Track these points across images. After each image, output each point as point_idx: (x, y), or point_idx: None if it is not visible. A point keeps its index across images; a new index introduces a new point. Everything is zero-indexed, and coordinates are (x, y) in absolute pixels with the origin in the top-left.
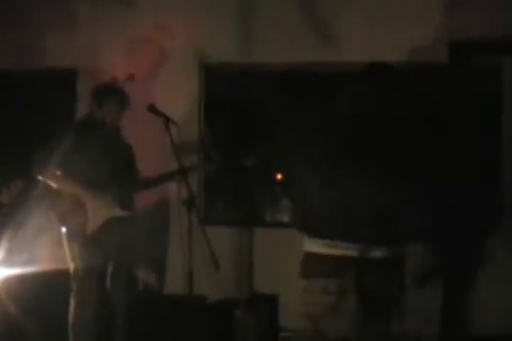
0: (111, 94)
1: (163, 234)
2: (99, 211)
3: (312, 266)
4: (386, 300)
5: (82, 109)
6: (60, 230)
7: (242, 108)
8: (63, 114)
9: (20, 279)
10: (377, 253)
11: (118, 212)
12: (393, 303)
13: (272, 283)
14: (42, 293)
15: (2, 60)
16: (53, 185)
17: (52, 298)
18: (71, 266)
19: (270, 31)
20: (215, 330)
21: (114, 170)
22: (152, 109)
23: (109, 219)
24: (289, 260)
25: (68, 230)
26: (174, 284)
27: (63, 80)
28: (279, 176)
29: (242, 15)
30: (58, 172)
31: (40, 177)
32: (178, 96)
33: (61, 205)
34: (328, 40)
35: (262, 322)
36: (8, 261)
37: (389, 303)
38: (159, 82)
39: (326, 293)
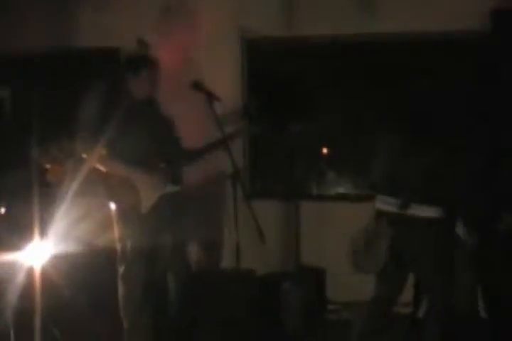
0: (142, 66)
1: (212, 208)
2: (150, 188)
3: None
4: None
5: None
6: (108, 210)
7: (286, 82)
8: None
9: (68, 258)
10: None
11: (169, 187)
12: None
13: (318, 256)
14: (91, 273)
15: (46, 39)
16: (100, 165)
17: (101, 278)
18: (118, 247)
19: (312, 3)
20: (263, 304)
21: (159, 145)
22: (196, 85)
23: (161, 196)
24: (335, 233)
25: (119, 209)
26: (223, 258)
27: (107, 59)
28: (324, 150)
29: None
30: (103, 152)
31: (85, 156)
32: (222, 71)
33: (111, 184)
34: (370, 10)
35: (309, 296)
36: (57, 240)
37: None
38: (202, 57)
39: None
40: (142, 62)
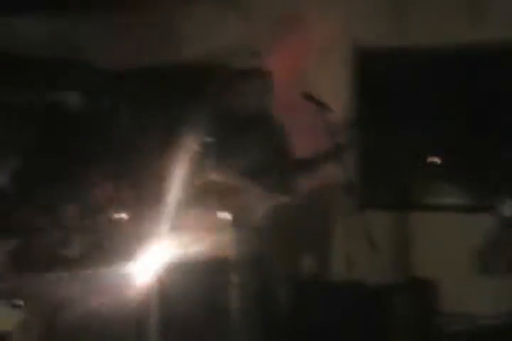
0: (254, 78)
1: (323, 219)
2: (260, 199)
3: None
4: None
5: None
6: (221, 220)
7: (396, 92)
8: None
9: (181, 267)
10: None
11: (280, 198)
12: None
13: (431, 267)
14: (204, 282)
15: (155, 52)
16: (212, 175)
17: (213, 287)
18: (231, 256)
19: (425, 13)
20: (373, 315)
21: (271, 155)
22: (308, 96)
23: (271, 207)
24: (449, 244)
25: (232, 219)
26: (333, 269)
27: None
28: (435, 159)
29: None
30: (215, 162)
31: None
32: (333, 81)
33: (223, 194)
34: (481, 17)
35: (421, 308)
36: (171, 249)
37: None
38: (314, 67)
39: None
40: (255, 74)
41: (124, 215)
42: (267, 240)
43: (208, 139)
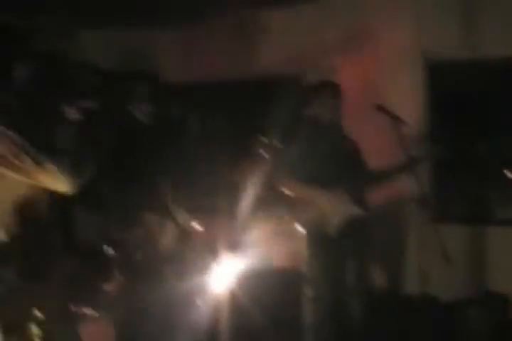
0: (325, 90)
1: (397, 231)
2: (335, 211)
3: None
4: None
5: None
6: (296, 232)
7: (469, 104)
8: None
9: (256, 279)
10: None
11: (354, 210)
12: None
13: (506, 282)
14: (276, 292)
15: (231, 65)
16: (286, 188)
17: (286, 298)
18: (307, 268)
19: (495, 25)
20: (447, 330)
21: (343, 168)
22: (380, 108)
23: (346, 219)
24: None
25: (307, 232)
26: (407, 283)
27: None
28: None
29: (467, 10)
30: (287, 174)
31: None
32: (404, 93)
33: (297, 207)
34: None
35: (495, 322)
36: (246, 261)
37: None
38: (384, 79)
39: None
40: (325, 88)
41: (197, 226)
42: (341, 252)
43: (280, 147)
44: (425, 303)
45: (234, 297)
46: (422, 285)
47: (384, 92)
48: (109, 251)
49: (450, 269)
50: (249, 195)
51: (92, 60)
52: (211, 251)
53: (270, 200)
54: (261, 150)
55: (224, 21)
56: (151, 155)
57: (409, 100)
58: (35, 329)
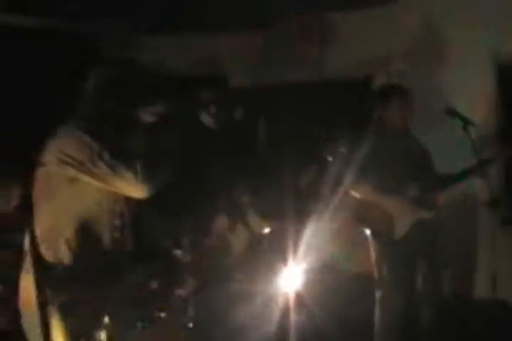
0: (393, 94)
1: (466, 234)
2: (404, 214)
3: None
4: None
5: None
6: (363, 236)
7: None
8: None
9: (324, 283)
10: None
11: (423, 213)
12: None
13: None
14: (347, 298)
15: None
16: (353, 191)
17: (357, 303)
18: (375, 272)
19: None
20: None
21: (411, 171)
22: (450, 111)
23: (414, 222)
24: None
25: (373, 234)
26: (478, 287)
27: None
28: None
29: None
30: (355, 180)
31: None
32: (474, 94)
33: (364, 210)
34: None
35: None
36: (312, 261)
37: None
38: (454, 81)
39: None
40: (393, 91)
41: (268, 230)
42: (409, 255)
43: (347, 151)
44: (495, 307)
45: (302, 300)
46: (492, 289)
47: (453, 95)
48: (181, 255)
49: None
50: (316, 199)
51: (161, 66)
52: (280, 256)
53: (338, 204)
54: (328, 155)
55: (292, 24)
56: (221, 160)
57: (479, 102)
58: (103, 337)
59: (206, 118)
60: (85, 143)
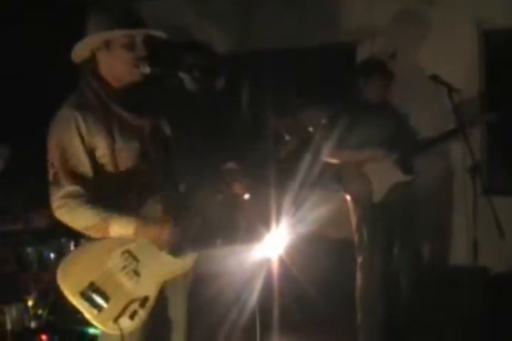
0: (374, 71)
1: (445, 201)
2: (382, 178)
3: None
4: None
5: None
6: (343, 200)
7: None
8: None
9: (305, 249)
10: None
11: (401, 177)
12: None
13: None
14: (328, 263)
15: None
16: (331, 157)
17: (338, 268)
18: (356, 237)
19: None
20: (497, 303)
21: (390, 137)
22: (434, 78)
23: (393, 186)
24: None
25: (353, 199)
26: (458, 254)
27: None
28: None
29: None
30: (334, 147)
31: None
32: (458, 62)
33: (343, 175)
34: None
35: None
36: (293, 231)
37: None
38: (438, 48)
39: None
40: (375, 68)
41: (247, 195)
42: (388, 219)
43: (325, 121)
44: (475, 276)
45: (283, 264)
46: (474, 256)
47: (438, 61)
48: None
49: (502, 242)
50: (297, 164)
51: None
52: (261, 220)
53: (318, 170)
54: (308, 120)
55: None
56: (202, 123)
57: (462, 68)
58: None
59: (189, 83)
60: None
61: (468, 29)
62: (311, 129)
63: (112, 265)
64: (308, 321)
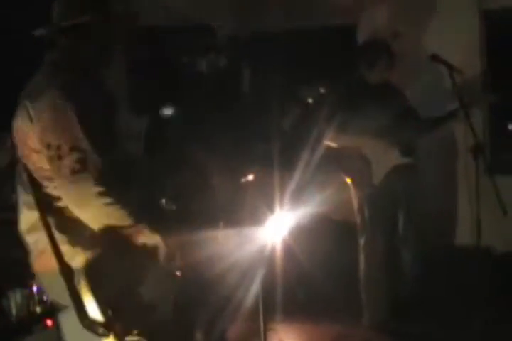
0: (380, 54)
1: (448, 181)
2: (382, 160)
3: None
4: None
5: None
6: (344, 182)
7: None
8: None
9: (308, 230)
10: None
11: (401, 159)
12: None
13: None
14: (331, 244)
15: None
16: (331, 141)
17: (341, 249)
18: (358, 218)
19: None
20: (500, 282)
21: (390, 119)
22: (435, 58)
23: (393, 168)
24: None
25: (353, 182)
26: (461, 234)
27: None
28: None
29: None
30: (334, 130)
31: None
32: (459, 41)
33: (343, 157)
34: None
35: None
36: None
37: None
38: (439, 29)
39: None
40: (378, 51)
41: (250, 177)
42: (389, 200)
43: (324, 92)
44: (478, 254)
45: (287, 246)
46: (477, 236)
47: (439, 41)
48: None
49: (505, 221)
50: (298, 147)
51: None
52: (266, 203)
53: (319, 152)
54: (309, 97)
55: None
56: (207, 104)
57: (463, 48)
58: None
59: (202, 65)
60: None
61: (470, 9)
62: (322, 90)
63: None
64: (312, 302)
